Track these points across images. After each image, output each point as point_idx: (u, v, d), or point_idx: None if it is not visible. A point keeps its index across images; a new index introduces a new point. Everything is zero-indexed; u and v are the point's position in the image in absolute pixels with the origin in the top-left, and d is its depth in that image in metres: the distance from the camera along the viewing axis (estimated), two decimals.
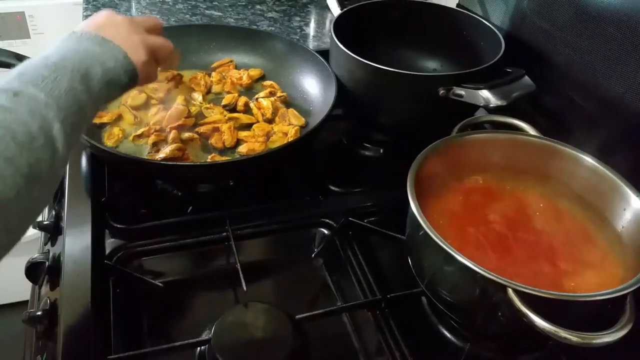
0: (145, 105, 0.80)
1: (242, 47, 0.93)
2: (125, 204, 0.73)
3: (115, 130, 0.75)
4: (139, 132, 0.75)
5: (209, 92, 0.86)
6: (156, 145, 0.73)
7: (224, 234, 0.67)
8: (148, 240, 0.66)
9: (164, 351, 0.54)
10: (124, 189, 0.74)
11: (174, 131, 0.75)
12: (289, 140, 0.75)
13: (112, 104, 0.81)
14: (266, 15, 1.18)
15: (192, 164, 0.71)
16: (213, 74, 0.89)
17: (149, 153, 0.73)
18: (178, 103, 0.81)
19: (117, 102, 0.81)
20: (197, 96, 0.84)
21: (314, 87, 0.86)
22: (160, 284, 0.61)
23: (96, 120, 0.76)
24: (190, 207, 0.71)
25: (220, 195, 0.75)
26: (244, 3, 1.22)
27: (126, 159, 0.66)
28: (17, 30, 1.34)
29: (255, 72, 0.90)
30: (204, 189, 0.76)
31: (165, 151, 0.71)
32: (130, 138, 0.75)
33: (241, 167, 0.70)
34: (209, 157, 0.73)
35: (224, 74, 0.89)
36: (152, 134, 0.74)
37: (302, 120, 0.81)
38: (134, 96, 0.80)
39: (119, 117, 0.78)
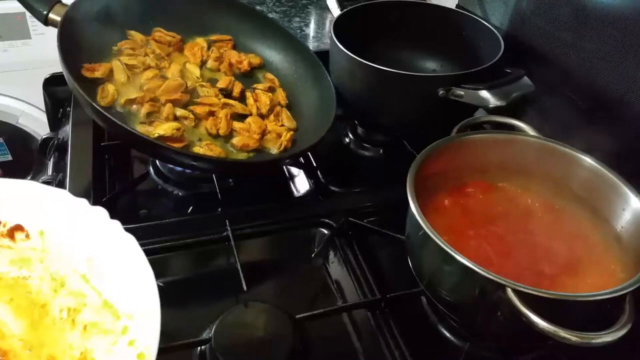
0: (140, 66, 0.76)
1: (250, 30, 0.89)
2: (126, 204, 0.73)
3: (109, 87, 0.70)
4: (132, 96, 0.70)
5: (202, 65, 0.82)
6: (150, 117, 0.70)
7: (224, 234, 0.67)
8: (148, 240, 0.66)
9: (164, 350, 0.54)
10: (125, 189, 0.74)
11: (168, 104, 0.71)
12: (302, 149, 0.73)
13: (104, 56, 0.75)
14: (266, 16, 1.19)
15: (203, 155, 0.68)
16: (212, 48, 0.85)
17: (141, 123, 0.69)
18: (173, 73, 0.77)
19: (109, 55, 0.76)
20: (193, 69, 0.80)
21: (311, 101, 0.84)
22: (161, 284, 0.60)
23: (88, 74, 0.71)
24: (191, 207, 0.71)
25: (220, 195, 0.76)
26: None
27: (135, 136, 0.63)
28: (18, 30, 1.34)
29: (255, 60, 0.86)
30: (204, 189, 0.76)
31: (163, 127, 0.67)
32: (122, 101, 0.70)
33: (250, 169, 0.69)
34: (204, 143, 0.70)
35: (222, 51, 0.86)
36: (147, 102, 0.70)
37: (294, 124, 0.79)
38: (129, 54, 0.76)
39: (111, 73, 0.73)
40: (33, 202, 0.54)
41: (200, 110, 0.74)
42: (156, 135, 0.67)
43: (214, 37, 0.87)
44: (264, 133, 0.76)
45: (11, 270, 0.53)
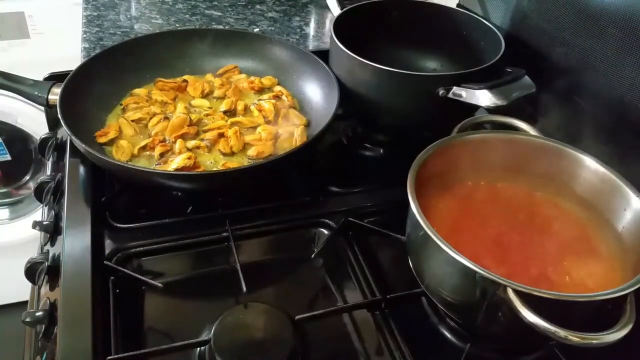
0: (146, 117, 0.79)
1: (245, 52, 0.91)
2: (125, 203, 0.73)
3: (122, 143, 0.73)
4: (142, 143, 0.73)
5: (207, 95, 0.85)
6: (163, 156, 0.73)
7: (224, 234, 0.67)
8: (148, 240, 0.66)
9: (164, 351, 0.54)
10: (124, 189, 0.74)
11: (179, 140, 0.74)
12: (314, 136, 0.72)
13: (109, 118, 0.79)
14: (266, 15, 1.18)
15: (230, 169, 0.69)
16: (216, 79, 0.88)
17: (157, 164, 0.72)
18: (179, 111, 0.80)
19: (115, 115, 0.80)
20: (200, 102, 0.83)
21: (315, 91, 0.85)
22: (160, 284, 0.61)
23: (103, 140, 0.74)
24: (190, 207, 0.71)
25: (220, 195, 0.75)
26: (243, 3, 1.22)
27: (157, 174, 0.65)
28: (16, 30, 1.34)
29: (267, 81, 0.88)
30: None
31: (177, 162, 0.70)
32: (135, 150, 0.73)
33: (270, 169, 0.69)
34: (221, 164, 0.72)
35: (231, 79, 0.88)
36: (157, 145, 0.73)
37: (304, 119, 0.81)
38: (134, 108, 0.79)
39: (120, 129, 0.76)
40: None
41: (210, 136, 0.76)
42: (172, 169, 0.69)
43: (220, 71, 0.90)
44: (276, 137, 0.78)
45: None
